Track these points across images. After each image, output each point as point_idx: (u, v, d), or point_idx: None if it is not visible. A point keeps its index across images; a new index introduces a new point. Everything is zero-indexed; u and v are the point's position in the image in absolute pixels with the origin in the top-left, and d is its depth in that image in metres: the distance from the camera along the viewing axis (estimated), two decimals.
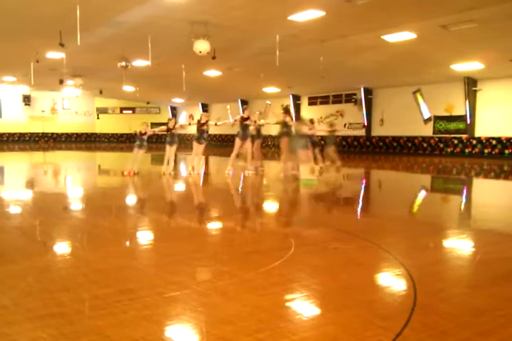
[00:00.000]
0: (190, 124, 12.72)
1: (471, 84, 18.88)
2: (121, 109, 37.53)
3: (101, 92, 27.35)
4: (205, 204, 7.76)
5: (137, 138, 11.57)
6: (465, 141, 19.69)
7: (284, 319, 2.70)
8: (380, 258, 4.09)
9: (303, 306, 2.93)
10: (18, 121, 34.45)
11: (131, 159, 11.54)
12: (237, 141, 11.51)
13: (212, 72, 20.82)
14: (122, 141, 37.57)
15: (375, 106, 23.23)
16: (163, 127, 12.16)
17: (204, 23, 12.28)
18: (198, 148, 11.78)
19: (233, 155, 11.64)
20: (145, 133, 11.49)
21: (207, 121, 11.72)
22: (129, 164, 11.42)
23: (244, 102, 29.40)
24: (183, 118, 36.92)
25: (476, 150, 19.32)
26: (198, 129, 11.71)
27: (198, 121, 11.68)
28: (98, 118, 37.34)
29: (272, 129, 24.26)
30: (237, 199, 8.40)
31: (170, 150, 11.58)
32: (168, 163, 11.61)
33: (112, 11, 11.66)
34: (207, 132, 12.00)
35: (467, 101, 19.08)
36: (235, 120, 11.78)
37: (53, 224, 5.50)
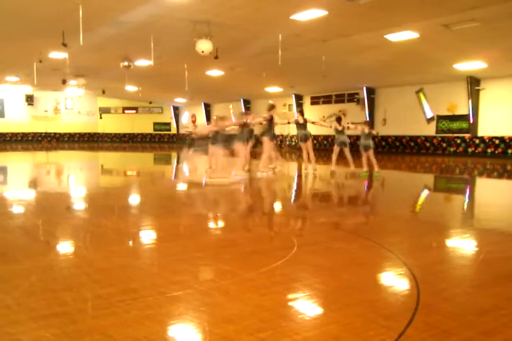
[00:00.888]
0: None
1: (473, 84, 18.84)
2: (124, 109, 37.61)
3: (103, 92, 27.43)
4: (210, 204, 7.76)
5: (187, 138, 10.76)
6: (468, 140, 19.65)
7: (286, 318, 2.70)
8: (383, 257, 4.09)
9: (305, 305, 2.93)
10: (21, 120, 34.54)
11: (184, 159, 10.84)
12: (267, 141, 11.22)
13: (215, 72, 20.83)
14: (125, 141, 37.65)
15: (377, 106, 23.21)
16: (210, 126, 11.39)
17: (206, 22, 12.29)
18: (244, 148, 10.94)
19: (265, 155, 11.27)
20: (203, 135, 10.66)
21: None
22: (186, 164, 10.78)
23: (246, 102, 29.44)
24: (185, 118, 36.98)
25: (479, 149, 19.28)
26: (243, 129, 10.94)
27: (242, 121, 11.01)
28: (101, 118, 37.43)
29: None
30: (239, 200, 8.40)
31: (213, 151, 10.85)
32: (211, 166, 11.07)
33: (115, 10, 11.68)
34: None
35: (470, 101, 19.04)
36: (264, 118, 11.52)
37: (56, 224, 5.52)
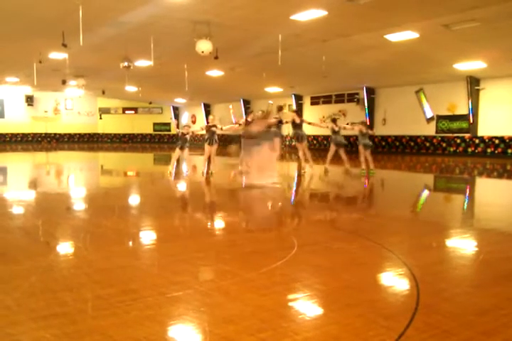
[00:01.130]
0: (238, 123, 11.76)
1: (473, 83, 18.83)
2: (124, 109, 37.58)
3: (103, 92, 27.41)
4: (210, 204, 7.77)
5: (179, 138, 11.47)
6: (468, 140, 19.64)
7: (286, 318, 2.70)
8: (383, 257, 4.09)
9: (305, 306, 2.93)
10: (20, 121, 34.51)
11: (173, 160, 11.77)
12: (277, 142, 11.11)
13: (215, 72, 20.83)
14: (125, 141, 37.63)
15: (377, 106, 23.20)
16: (203, 126, 12.18)
17: (206, 22, 12.28)
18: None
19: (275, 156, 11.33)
20: (187, 133, 11.34)
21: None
22: (171, 165, 11.65)
23: (246, 102, 29.43)
24: (185, 118, 36.96)
25: (479, 149, 19.27)
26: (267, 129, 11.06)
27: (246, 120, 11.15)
28: (101, 118, 37.40)
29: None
30: (242, 199, 8.40)
31: (210, 150, 11.45)
32: (208, 163, 11.58)
33: (115, 11, 11.67)
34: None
35: (470, 101, 19.03)
36: (276, 119, 11.61)
37: (56, 224, 5.52)
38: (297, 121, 11.73)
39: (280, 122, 11.31)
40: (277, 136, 11.24)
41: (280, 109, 11.62)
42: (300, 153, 12.00)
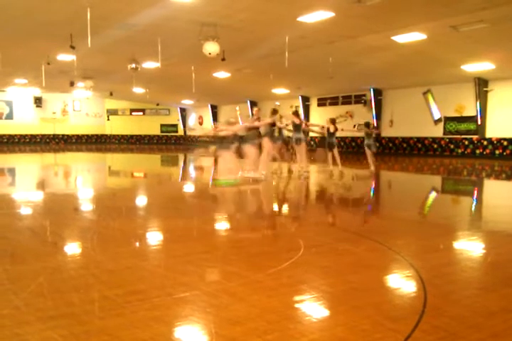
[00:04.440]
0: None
1: (482, 85, 18.72)
2: (131, 111, 37.75)
3: (111, 94, 27.58)
4: (216, 205, 7.77)
5: (219, 141, 10.82)
6: (476, 141, 19.52)
7: (293, 320, 2.69)
8: (390, 259, 4.07)
9: (312, 307, 2.92)
10: (29, 122, 34.78)
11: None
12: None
13: (222, 74, 20.87)
14: (132, 143, 37.78)
15: (384, 107, 23.13)
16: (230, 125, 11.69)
17: (213, 24, 12.32)
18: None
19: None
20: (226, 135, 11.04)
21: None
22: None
23: (253, 103, 29.45)
24: (192, 119, 37.07)
25: (487, 151, 19.16)
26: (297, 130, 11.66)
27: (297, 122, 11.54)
28: (108, 119, 37.59)
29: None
30: (244, 201, 8.40)
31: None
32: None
33: (122, 13, 11.74)
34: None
35: (478, 102, 18.92)
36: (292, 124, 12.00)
37: (64, 225, 5.54)
38: (296, 122, 11.73)
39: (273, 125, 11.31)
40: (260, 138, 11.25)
41: (274, 112, 11.57)
42: (297, 156, 12.02)
